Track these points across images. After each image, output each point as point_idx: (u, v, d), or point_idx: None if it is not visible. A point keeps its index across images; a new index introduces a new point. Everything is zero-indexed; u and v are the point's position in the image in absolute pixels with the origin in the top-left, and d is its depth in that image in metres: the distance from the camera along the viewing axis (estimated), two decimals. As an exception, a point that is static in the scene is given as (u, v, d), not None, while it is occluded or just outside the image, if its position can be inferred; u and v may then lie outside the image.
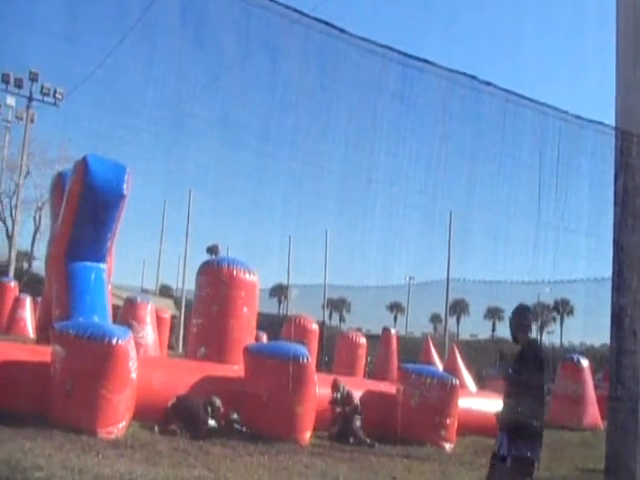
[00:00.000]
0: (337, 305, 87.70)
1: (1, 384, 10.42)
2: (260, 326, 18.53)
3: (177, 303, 46.58)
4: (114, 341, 10.19)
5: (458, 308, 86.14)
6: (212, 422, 11.35)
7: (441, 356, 29.38)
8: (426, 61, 7.18)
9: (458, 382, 14.76)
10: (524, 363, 6.84)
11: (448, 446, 13.64)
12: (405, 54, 7.01)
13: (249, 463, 9.73)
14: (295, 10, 6.32)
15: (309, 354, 12.62)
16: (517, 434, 6.64)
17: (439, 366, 23.17)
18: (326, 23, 6.43)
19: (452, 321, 74.23)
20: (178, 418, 11.09)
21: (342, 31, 6.62)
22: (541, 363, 6.89)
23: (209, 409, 11.37)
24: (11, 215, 54.54)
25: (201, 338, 14.79)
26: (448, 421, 13.79)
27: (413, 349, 30.51)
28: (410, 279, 69.60)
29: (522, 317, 7.16)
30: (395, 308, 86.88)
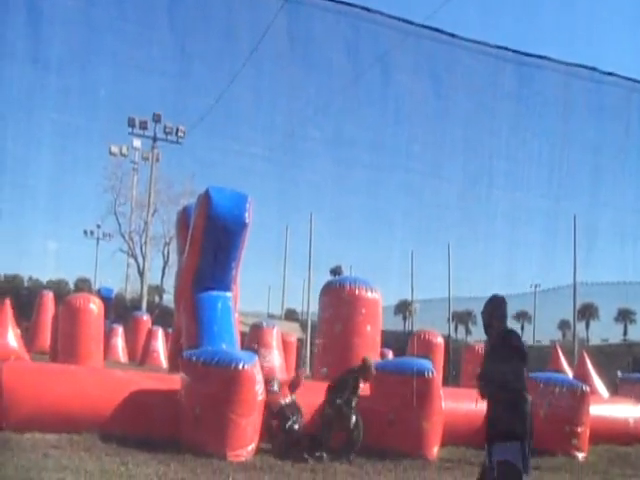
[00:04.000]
0: (462, 317, 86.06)
1: (135, 412, 10.84)
2: (385, 343, 18.41)
3: (303, 326, 46.92)
4: (240, 366, 10.35)
5: (587, 313, 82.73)
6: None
7: (571, 364, 28.21)
8: (541, 57, 6.95)
9: (589, 389, 14.18)
10: (498, 356, 6.31)
11: (580, 455, 13.06)
12: (520, 52, 6.83)
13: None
14: (404, 20, 6.29)
15: (434, 368, 12.41)
16: (496, 437, 6.10)
17: (569, 374, 22.23)
18: (436, 30, 6.37)
19: (581, 326, 71.38)
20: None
21: (453, 36, 6.53)
22: (521, 355, 6.31)
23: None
24: (141, 252, 56.67)
25: (325, 358, 14.83)
26: (579, 429, 13.21)
27: (541, 358, 29.44)
28: (535, 286, 67.96)
29: (495, 307, 6.63)
30: (521, 317, 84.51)
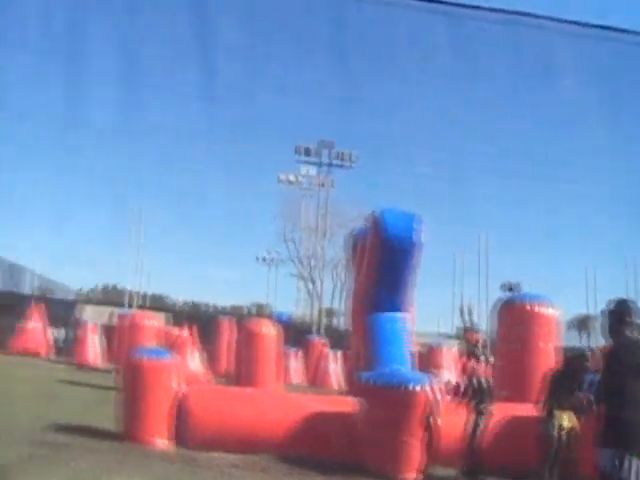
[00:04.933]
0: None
1: (311, 434, 10.97)
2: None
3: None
4: (412, 387, 10.22)
5: None
6: None
7: None
8: None
9: None
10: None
11: None
12: None
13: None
14: (572, 22, 5.94)
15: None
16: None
17: None
18: (605, 27, 5.93)
19: None
20: None
21: (623, 31, 6.08)
22: None
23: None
24: (312, 276, 57.73)
25: (503, 378, 14.30)
26: None
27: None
28: None
29: (621, 313, 6.04)
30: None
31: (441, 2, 6.41)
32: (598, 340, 47.60)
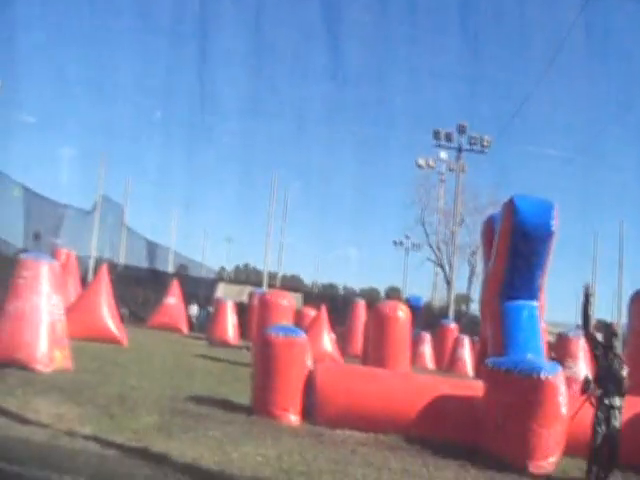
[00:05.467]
0: None
1: (438, 416, 11.09)
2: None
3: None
4: (542, 376, 10.11)
5: None
6: None
7: None
8: None
9: None
10: None
11: None
12: None
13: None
14: None
15: None
16: None
17: None
18: None
19: None
20: None
21: None
22: None
23: None
24: (449, 261, 57.34)
25: (635, 369, 13.87)
26: None
27: None
28: None
29: None
30: None
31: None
32: None
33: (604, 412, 9.17)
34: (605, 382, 9.24)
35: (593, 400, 9.27)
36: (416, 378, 14.31)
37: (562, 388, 10.34)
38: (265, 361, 11.70)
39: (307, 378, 11.63)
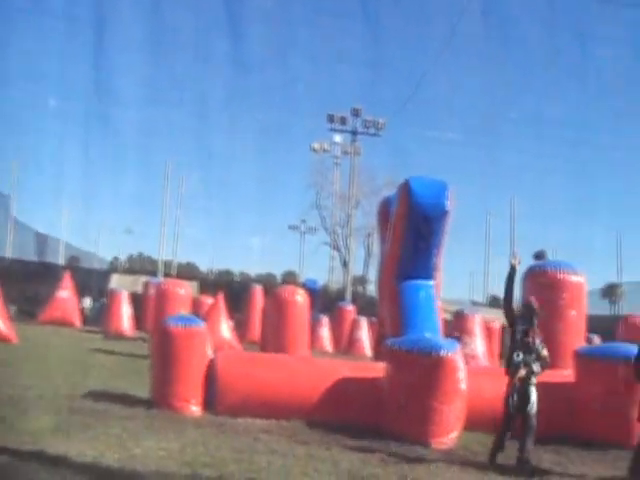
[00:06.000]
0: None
1: (340, 399, 11.15)
2: (591, 329, 17.52)
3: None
4: (442, 353, 10.33)
5: None
6: None
7: None
8: None
9: None
10: None
11: None
12: None
13: (580, 473, 9.24)
14: None
15: None
16: None
17: None
18: None
19: None
20: None
21: None
22: None
23: None
24: (345, 244, 57.91)
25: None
26: None
27: None
28: None
29: None
30: None
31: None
32: (625, 308, 47.38)
33: (520, 388, 9.20)
34: (524, 359, 9.26)
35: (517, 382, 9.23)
36: (317, 362, 14.35)
37: (461, 365, 10.58)
38: (164, 352, 11.45)
39: (208, 368, 11.44)
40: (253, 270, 77.26)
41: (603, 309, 66.83)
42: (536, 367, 9.22)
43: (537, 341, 9.38)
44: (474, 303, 51.73)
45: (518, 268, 9.92)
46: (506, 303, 9.83)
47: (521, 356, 9.23)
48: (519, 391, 9.18)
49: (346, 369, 12.11)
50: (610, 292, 70.55)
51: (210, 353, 11.73)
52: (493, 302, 54.88)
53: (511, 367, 9.29)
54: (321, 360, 16.14)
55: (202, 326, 12.01)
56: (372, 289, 51.86)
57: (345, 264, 55.37)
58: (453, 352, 10.55)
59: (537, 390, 9.29)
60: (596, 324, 22.57)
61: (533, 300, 9.93)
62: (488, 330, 23.51)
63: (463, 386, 10.50)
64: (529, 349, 9.28)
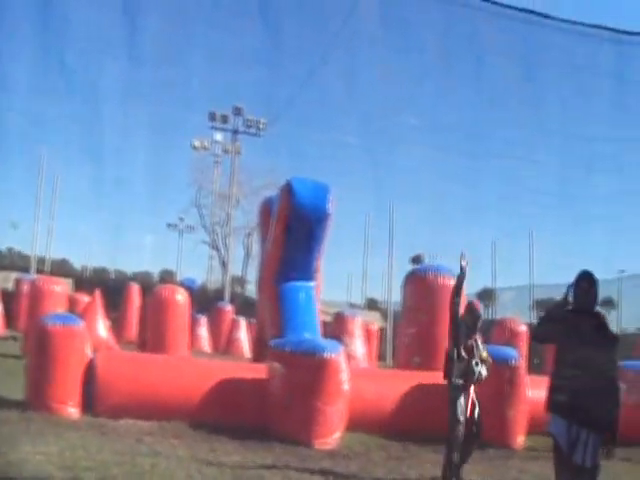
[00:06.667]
0: (546, 305, 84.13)
1: (224, 400, 11.16)
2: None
3: (384, 315, 46.90)
4: (326, 355, 10.52)
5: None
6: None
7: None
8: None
9: None
10: (596, 342, 5.86)
11: None
12: (619, 31, 6.66)
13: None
14: (497, 3, 6.25)
15: (519, 356, 12.30)
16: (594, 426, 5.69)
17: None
18: (529, 11, 6.30)
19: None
20: None
21: (547, 17, 6.44)
22: (617, 341, 6.03)
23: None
24: (224, 243, 57.66)
25: (411, 348, 14.86)
26: None
27: (627, 345, 28.57)
28: (621, 272, 66.46)
29: (597, 287, 6.12)
30: (607, 304, 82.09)
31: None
32: (502, 313, 49.28)
33: (467, 398, 8.86)
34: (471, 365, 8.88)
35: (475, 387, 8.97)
36: (199, 362, 14.34)
37: (344, 366, 10.81)
38: (42, 352, 11.10)
39: (87, 368, 11.21)
40: (130, 268, 75.71)
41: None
42: (484, 371, 8.97)
43: (480, 345, 9.12)
44: (352, 305, 52.49)
45: (467, 270, 9.41)
46: (453, 305, 9.35)
47: (480, 365, 8.92)
48: (469, 406, 8.85)
49: (229, 369, 12.16)
50: (485, 296, 73.24)
51: (89, 353, 11.53)
52: (371, 304, 56.01)
53: (470, 374, 8.86)
54: (203, 360, 16.12)
55: (81, 325, 11.75)
56: (251, 289, 51.90)
57: (224, 264, 55.14)
58: (336, 353, 10.75)
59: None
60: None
61: (476, 303, 9.74)
62: (367, 332, 23.94)
63: (346, 387, 10.73)
64: (473, 354, 8.97)
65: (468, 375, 8.85)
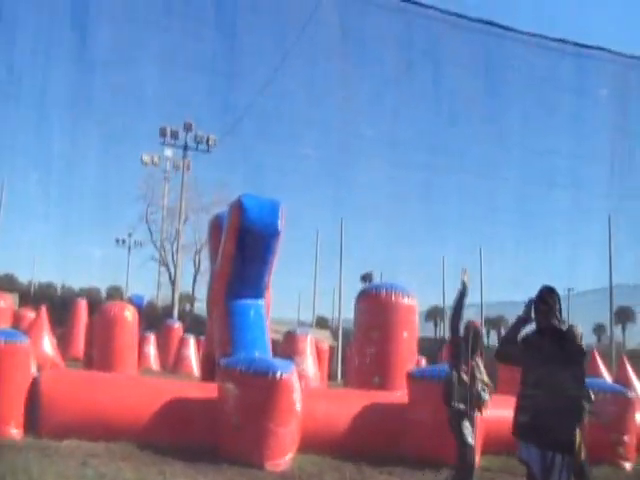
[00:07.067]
0: (494, 323, 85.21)
1: (173, 420, 10.89)
2: (418, 350, 18.36)
3: (333, 334, 46.84)
4: (278, 375, 10.34)
5: (623, 316, 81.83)
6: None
7: (609, 368, 27.81)
8: (602, 49, 6.87)
9: (634, 395, 13.86)
10: (559, 357, 5.81)
11: (628, 465, 12.70)
12: (579, 44, 6.75)
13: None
14: (458, 15, 6.29)
15: None
16: (556, 447, 5.67)
17: (608, 379, 21.82)
18: (490, 23, 6.35)
19: (617, 330, 70.92)
20: None
21: (508, 29, 6.49)
22: (583, 357, 6.01)
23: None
24: (173, 260, 57.16)
25: (370, 367, 14.80)
26: (626, 438, 12.82)
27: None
28: (569, 290, 67.68)
29: (558, 299, 6.12)
30: (624, 315, 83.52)
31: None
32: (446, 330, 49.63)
33: (472, 421, 8.73)
34: (471, 390, 8.67)
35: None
36: (148, 381, 14.07)
37: (296, 386, 10.69)
38: (-18, 370, 10.80)
39: (31, 387, 10.90)
40: (77, 283, 74.67)
41: (428, 331, 69.65)
42: (486, 395, 8.74)
43: (481, 367, 8.83)
44: (301, 323, 52.39)
45: (469, 285, 9.13)
46: (454, 321, 9.11)
47: (486, 390, 8.69)
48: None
49: (178, 388, 11.94)
50: (434, 315, 73.84)
51: (34, 371, 11.24)
52: (320, 322, 55.91)
53: (479, 400, 8.68)
54: (152, 379, 15.84)
55: (26, 342, 11.44)
56: (200, 307, 51.48)
57: (173, 281, 54.64)
58: (288, 373, 10.61)
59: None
60: (422, 346, 23.56)
61: (476, 323, 9.43)
62: (318, 351, 23.75)
63: (298, 407, 10.60)
64: (474, 377, 8.69)
65: (472, 400, 8.61)
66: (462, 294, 9.08)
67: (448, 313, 57.61)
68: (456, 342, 8.93)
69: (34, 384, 10.94)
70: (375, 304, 14.85)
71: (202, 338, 25.96)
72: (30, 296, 44.09)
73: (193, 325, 37.97)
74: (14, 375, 10.77)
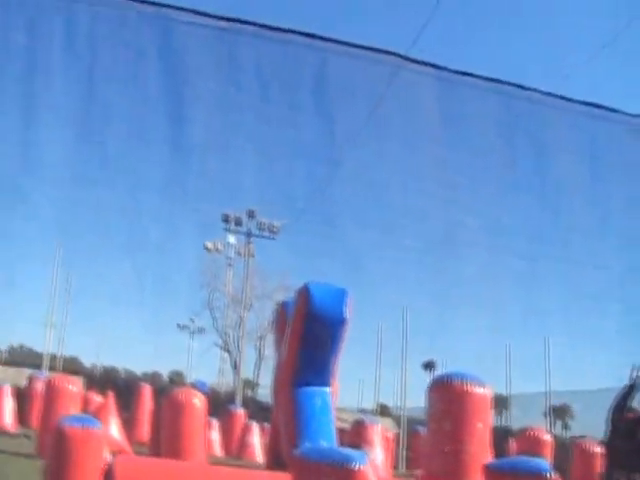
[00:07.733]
0: (559, 412, 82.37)
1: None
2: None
3: (396, 421, 46.13)
4: (354, 466, 10.08)
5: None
6: None
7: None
8: None
9: None
10: None
11: None
12: None
13: None
14: (563, 97, 6.39)
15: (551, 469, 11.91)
16: None
17: None
18: (596, 105, 6.41)
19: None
20: None
21: (614, 111, 6.51)
22: None
23: None
24: (236, 346, 57.49)
25: (435, 456, 14.64)
26: None
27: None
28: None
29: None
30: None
31: (434, 66, 6.87)
32: (513, 421, 48.34)
33: None
34: None
35: None
36: (220, 471, 14.08)
37: (372, 476, 10.53)
38: (60, 455, 11.08)
39: (104, 473, 11.11)
40: (138, 367, 75.27)
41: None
42: None
43: None
44: (363, 411, 51.72)
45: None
46: (617, 414, 8.48)
47: None
48: None
49: (251, 478, 11.90)
50: (499, 403, 71.87)
51: (107, 457, 11.47)
52: (383, 410, 55.08)
53: None
54: (224, 468, 15.76)
55: (99, 427, 11.73)
56: (262, 393, 51.40)
57: (235, 366, 54.86)
58: (364, 464, 10.35)
59: None
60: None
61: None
62: (383, 439, 23.54)
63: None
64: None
65: None
66: (631, 388, 8.60)
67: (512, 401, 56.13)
68: (616, 434, 8.36)
69: (108, 470, 11.12)
70: (448, 393, 14.70)
71: (266, 425, 25.95)
72: (95, 380, 44.61)
73: (256, 411, 37.88)
74: (89, 461, 11.02)
